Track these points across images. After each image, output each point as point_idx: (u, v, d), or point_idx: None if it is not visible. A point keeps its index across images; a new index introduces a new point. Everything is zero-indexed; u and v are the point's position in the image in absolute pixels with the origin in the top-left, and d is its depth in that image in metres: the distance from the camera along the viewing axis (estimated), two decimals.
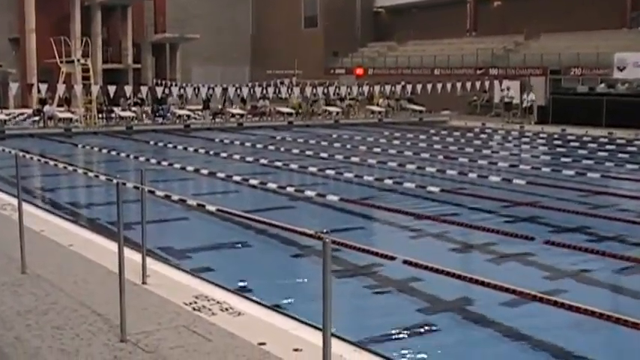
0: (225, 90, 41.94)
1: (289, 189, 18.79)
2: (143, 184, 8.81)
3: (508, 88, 43.67)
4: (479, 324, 9.20)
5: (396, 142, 31.79)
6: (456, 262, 12.30)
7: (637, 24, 47.14)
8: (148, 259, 9.64)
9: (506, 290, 9.56)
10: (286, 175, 22.65)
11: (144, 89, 40.21)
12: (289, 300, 9.69)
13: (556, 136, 35.24)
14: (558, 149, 29.40)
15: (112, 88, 37.91)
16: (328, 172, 22.25)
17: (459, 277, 10.38)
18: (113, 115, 38.60)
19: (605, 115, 37.20)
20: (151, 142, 30.97)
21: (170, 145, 29.60)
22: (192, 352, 6.88)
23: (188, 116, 40.06)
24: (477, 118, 43.64)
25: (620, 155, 26.85)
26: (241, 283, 10.31)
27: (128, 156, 25.97)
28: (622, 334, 8.57)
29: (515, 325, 9.01)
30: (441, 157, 26.38)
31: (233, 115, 41.35)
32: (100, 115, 38.23)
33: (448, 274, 10.43)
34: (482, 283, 9.92)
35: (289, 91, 44.40)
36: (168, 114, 39.90)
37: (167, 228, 14.87)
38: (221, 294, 8.92)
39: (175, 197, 10.27)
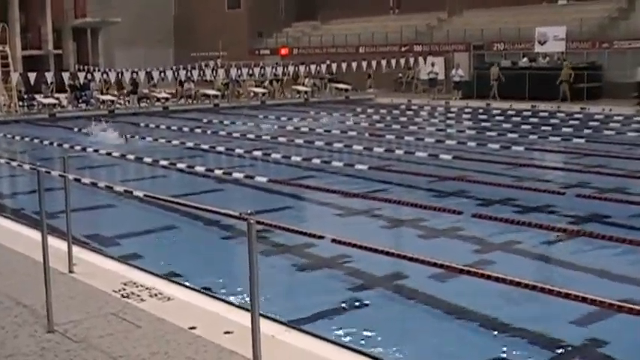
0: (149, 73, 41.42)
1: (217, 172, 18.68)
2: (66, 171, 8.65)
3: (433, 65, 44.05)
4: (410, 299, 9.29)
5: (322, 120, 31.83)
6: (386, 239, 12.40)
7: None
8: (75, 248, 9.48)
9: (435, 265, 9.67)
10: (214, 158, 22.50)
11: (65, 75, 39.42)
12: (220, 283, 9.64)
13: (481, 110, 35.68)
14: (483, 123, 29.80)
15: (32, 75, 37.12)
16: (256, 153, 22.18)
17: (387, 253, 10.46)
18: (35, 102, 37.82)
19: (528, 89, 37.85)
20: (75, 129, 30.40)
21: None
22: (122, 340, 6.80)
23: (112, 101, 39.44)
24: (403, 95, 43.93)
25: (543, 128, 27.33)
26: (171, 268, 10.21)
27: (52, 144, 25.46)
28: (549, 304, 8.73)
29: (445, 298, 9.13)
30: (367, 134, 26.48)
31: (158, 100, 40.92)
32: (21, 103, 37.41)
33: (377, 251, 10.49)
34: (412, 259, 10.00)
35: (214, 73, 44.08)
36: (92, 99, 39.24)
37: (94, 215, 14.66)
38: (150, 280, 8.82)
39: (102, 184, 10.12)
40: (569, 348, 7.69)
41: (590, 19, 41.99)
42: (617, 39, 39.76)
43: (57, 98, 38.41)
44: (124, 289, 8.34)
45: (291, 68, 44.30)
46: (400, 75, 47.39)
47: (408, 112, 35.78)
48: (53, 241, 8.79)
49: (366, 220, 13.95)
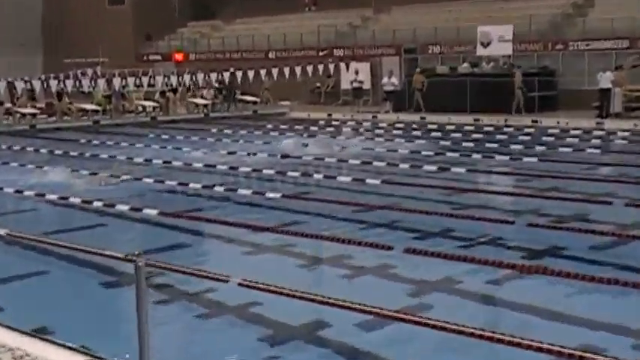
0: (11, 84, 40.81)
1: (97, 204, 18.47)
2: None
3: (357, 72, 44.35)
4: (332, 351, 9.31)
5: (226, 140, 31.80)
6: (303, 280, 12.42)
7: None
8: None
9: (362, 311, 9.71)
10: (94, 187, 22.24)
11: None
12: (102, 339, 9.52)
13: (414, 125, 36.05)
14: (417, 141, 30.11)
15: None
16: (145, 180, 22.01)
17: (305, 298, 10.47)
18: None
19: (469, 99, 38.23)
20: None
21: None
22: None
23: None
24: (322, 108, 44.16)
25: (488, 145, 27.75)
26: (40, 323, 10.06)
27: None
28: (497, 353, 8.86)
29: (375, 350, 9.18)
30: (280, 156, 26.53)
31: (23, 116, 40.34)
32: None
33: (293, 295, 10.49)
34: (334, 304, 10.03)
35: (93, 83, 43.70)
36: None
37: None
38: (14, 338, 8.67)
39: None
40: None
41: (540, 15, 42.83)
42: (573, 39, 40.63)
43: None
44: None
45: (187, 77, 44.21)
46: (318, 84, 47.65)
47: (329, 129, 35.97)
48: None
49: (279, 258, 13.96)
